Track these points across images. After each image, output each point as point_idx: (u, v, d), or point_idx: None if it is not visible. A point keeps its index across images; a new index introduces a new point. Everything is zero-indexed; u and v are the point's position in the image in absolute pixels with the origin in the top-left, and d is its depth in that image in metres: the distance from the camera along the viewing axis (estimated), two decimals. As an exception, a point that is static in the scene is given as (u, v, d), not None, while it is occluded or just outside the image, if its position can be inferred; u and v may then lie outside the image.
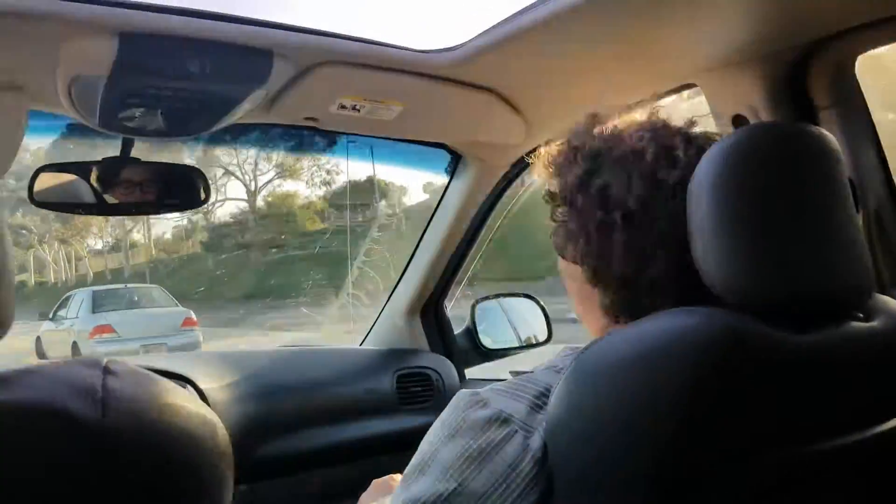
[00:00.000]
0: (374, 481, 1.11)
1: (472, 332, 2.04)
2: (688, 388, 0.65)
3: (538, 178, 0.90)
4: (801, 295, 0.72)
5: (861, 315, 0.78)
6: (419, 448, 0.80)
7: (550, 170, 0.86)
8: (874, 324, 0.77)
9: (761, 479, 0.70)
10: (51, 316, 11.28)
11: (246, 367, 1.67)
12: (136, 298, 11.51)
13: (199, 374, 1.51)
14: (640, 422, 0.66)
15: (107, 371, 0.49)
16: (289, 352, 1.87)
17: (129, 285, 13.37)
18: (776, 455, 0.71)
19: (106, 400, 0.47)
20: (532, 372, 0.79)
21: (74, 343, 10.06)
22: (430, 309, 1.98)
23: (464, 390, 0.80)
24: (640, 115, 0.84)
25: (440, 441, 0.77)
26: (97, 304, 10.63)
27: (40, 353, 10.29)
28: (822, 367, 0.72)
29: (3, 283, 0.47)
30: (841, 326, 0.75)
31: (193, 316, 10.50)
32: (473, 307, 2.06)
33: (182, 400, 0.52)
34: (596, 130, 0.84)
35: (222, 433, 0.53)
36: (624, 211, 0.77)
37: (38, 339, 10.86)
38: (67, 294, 11.76)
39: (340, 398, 1.73)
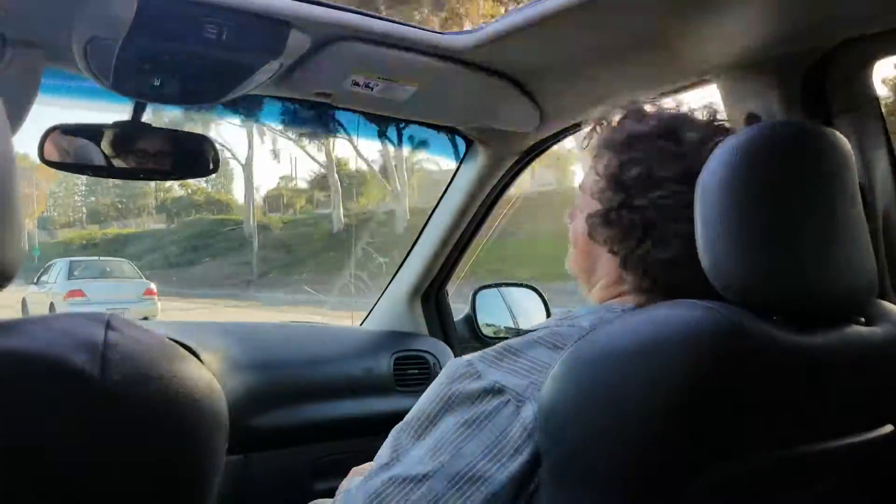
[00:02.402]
0: (354, 469, 1.12)
1: (471, 319, 2.05)
2: (684, 381, 0.65)
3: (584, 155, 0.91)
4: (803, 295, 0.71)
5: (862, 319, 0.78)
6: (413, 414, 0.81)
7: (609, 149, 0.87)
8: (875, 329, 0.77)
9: (748, 479, 0.70)
10: (35, 280, 13.05)
11: (245, 339, 1.68)
12: (108, 269, 13.50)
13: (197, 342, 1.52)
14: (632, 412, 0.66)
15: (109, 326, 0.49)
16: (288, 326, 1.88)
17: (101, 258, 15.31)
18: (765, 455, 0.71)
19: (106, 354, 0.46)
20: (520, 341, 0.80)
21: (51, 304, 11.79)
22: (431, 294, 1.98)
23: (457, 359, 0.81)
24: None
25: (437, 411, 0.78)
26: (72, 272, 12.57)
27: (24, 311, 11.73)
28: (819, 369, 0.72)
29: (11, 224, 0.47)
30: (841, 329, 0.75)
31: (154, 287, 12.54)
32: (474, 294, 2.06)
33: (184, 361, 0.51)
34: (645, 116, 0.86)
35: (220, 399, 0.53)
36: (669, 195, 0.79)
37: (24, 299, 12.57)
38: (49, 262, 13.63)
39: (337, 376, 1.74)
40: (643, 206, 0.81)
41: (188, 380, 0.50)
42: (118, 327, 0.49)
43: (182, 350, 0.52)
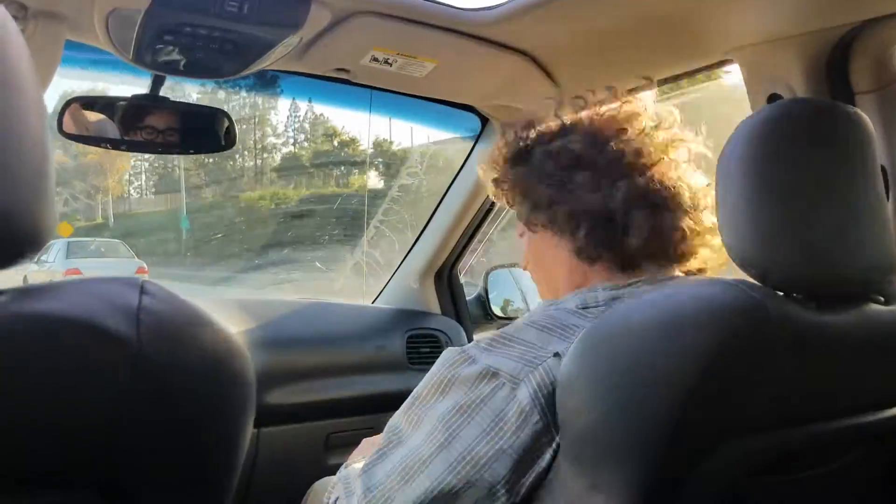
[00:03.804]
0: (366, 439, 1.13)
1: (483, 299, 2.06)
2: (704, 357, 0.65)
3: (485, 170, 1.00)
4: (823, 274, 0.71)
5: (881, 298, 0.77)
6: (409, 402, 0.82)
7: (504, 151, 0.96)
8: (894, 308, 0.77)
9: (765, 455, 0.71)
10: (35, 259, 13.42)
11: (261, 316, 1.69)
12: (103, 249, 14.47)
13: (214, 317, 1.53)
14: (651, 388, 0.66)
15: (143, 290, 0.49)
16: (302, 304, 1.89)
17: (97, 239, 16.35)
18: (782, 432, 0.71)
19: (141, 317, 0.47)
20: (511, 327, 0.81)
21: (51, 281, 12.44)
22: (443, 272, 1.99)
23: (451, 348, 0.83)
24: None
25: (434, 397, 0.79)
26: (70, 252, 13.42)
27: None
28: (837, 348, 0.72)
29: (46, 195, 0.47)
30: (860, 308, 0.74)
31: (145, 266, 13.55)
32: (486, 275, 2.07)
33: (217, 328, 0.52)
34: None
35: (248, 363, 0.54)
36: (582, 156, 0.86)
37: (25, 277, 13.26)
38: (49, 243, 14.20)
39: (351, 353, 1.75)
40: (577, 196, 0.86)
41: (222, 345, 0.51)
42: (152, 291, 0.49)
43: (214, 317, 0.52)
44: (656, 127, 0.89)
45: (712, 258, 0.88)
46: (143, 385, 0.47)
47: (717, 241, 0.85)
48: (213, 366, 0.50)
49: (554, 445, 0.74)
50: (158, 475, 0.49)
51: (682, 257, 0.87)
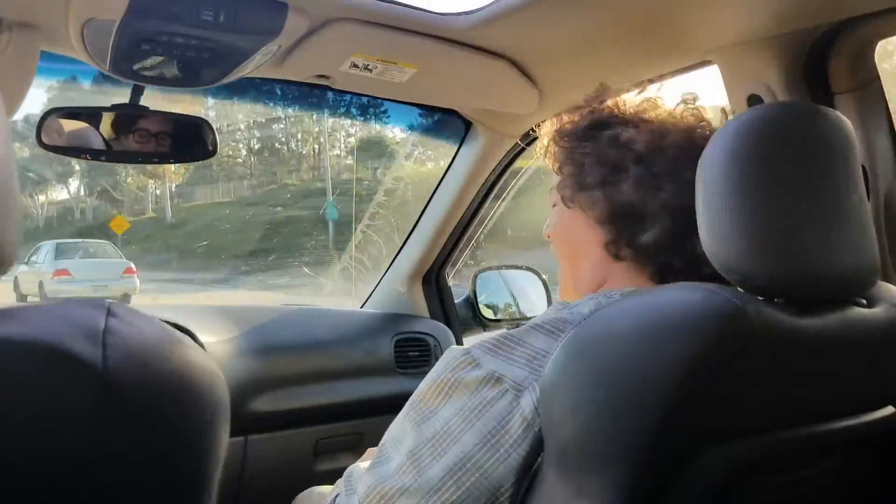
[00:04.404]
0: (370, 450, 1.12)
1: (471, 302, 2.05)
2: (685, 363, 0.65)
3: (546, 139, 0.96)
4: (804, 278, 0.71)
5: (864, 301, 0.77)
6: (412, 402, 0.82)
7: (565, 119, 0.93)
8: (876, 311, 0.77)
9: (749, 460, 0.71)
10: (25, 260, 14.08)
11: (245, 323, 1.68)
12: (92, 250, 14.68)
13: (198, 326, 1.52)
14: (633, 395, 0.66)
15: (110, 312, 0.48)
16: (289, 310, 1.88)
17: (86, 240, 16.40)
18: (766, 437, 0.71)
19: (107, 341, 0.46)
20: (520, 330, 0.80)
21: (40, 282, 12.74)
22: (431, 276, 1.99)
23: (454, 348, 0.81)
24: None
25: (436, 400, 0.78)
26: (59, 253, 13.63)
27: (16, 288, 12.91)
28: (820, 352, 0.72)
29: (9, 217, 0.47)
30: (843, 311, 0.74)
31: (133, 266, 13.44)
32: (475, 277, 2.06)
33: (185, 347, 0.51)
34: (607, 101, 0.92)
35: (221, 384, 0.53)
36: (644, 156, 0.84)
37: (16, 278, 13.53)
38: (38, 245, 14.70)
39: (338, 358, 1.74)
40: (622, 189, 0.84)
41: (189, 365, 0.50)
42: (118, 313, 0.48)
43: (183, 336, 0.51)
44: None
45: None
46: (109, 408, 0.46)
47: None
48: (184, 387, 0.49)
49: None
50: (130, 498, 0.48)
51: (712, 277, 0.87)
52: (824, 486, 0.79)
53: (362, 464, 0.91)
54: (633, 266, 0.86)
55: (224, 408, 0.53)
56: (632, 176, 0.84)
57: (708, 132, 0.87)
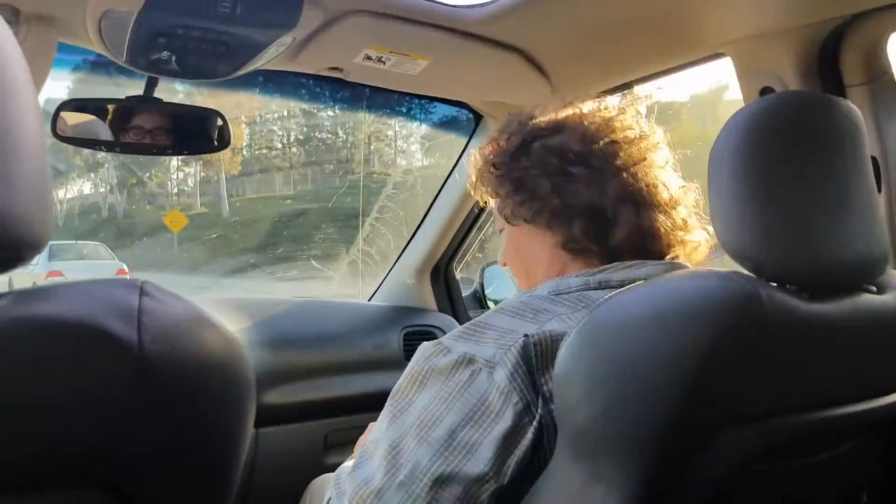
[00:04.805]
0: (371, 424, 1.14)
1: (479, 295, 2.06)
2: (700, 349, 0.65)
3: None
4: (816, 264, 0.71)
5: (874, 288, 0.78)
6: (390, 398, 0.83)
7: (501, 139, 0.97)
8: (886, 297, 0.77)
9: (762, 446, 0.71)
10: None
11: (257, 315, 1.69)
12: (85, 252, 14.64)
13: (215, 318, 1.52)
14: (649, 381, 0.66)
15: (143, 292, 0.49)
16: (300, 302, 1.88)
17: (79, 241, 16.23)
18: (778, 422, 0.71)
19: (142, 320, 0.47)
20: (485, 315, 0.83)
21: (34, 283, 12.43)
22: (439, 269, 1.99)
23: (426, 342, 0.84)
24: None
25: (412, 391, 0.80)
26: (53, 254, 13.45)
27: (10, 288, 12.89)
28: (831, 338, 0.73)
29: (44, 195, 0.47)
30: (853, 298, 0.75)
31: (126, 267, 13.48)
32: (482, 271, 2.07)
33: (216, 328, 0.51)
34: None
35: (249, 365, 0.54)
36: (580, 153, 0.90)
37: (10, 278, 13.17)
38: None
39: (348, 351, 1.75)
40: (575, 190, 0.89)
41: (220, 344, 0.51)
42: (151, 293, 0.49)
43: (212, 317, 0.52)
44: (640, 133, 0.93)
45: (685, 254, 0.93)
46: (143, 385, 0.47)
47: (689, 237, 0.91)
48: (215, 366, 0.50)
49: (535, 424, 0.74)
50: (160, 475, 0.49)
51: (658, 253, 0.91)
52: (838, 470, 0.80)
53: (349, 463, 0.92)
54: (590, 259, 0.90)
55: (251, 388, 0.54)
56: (579, 176, 0.88)
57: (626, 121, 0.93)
